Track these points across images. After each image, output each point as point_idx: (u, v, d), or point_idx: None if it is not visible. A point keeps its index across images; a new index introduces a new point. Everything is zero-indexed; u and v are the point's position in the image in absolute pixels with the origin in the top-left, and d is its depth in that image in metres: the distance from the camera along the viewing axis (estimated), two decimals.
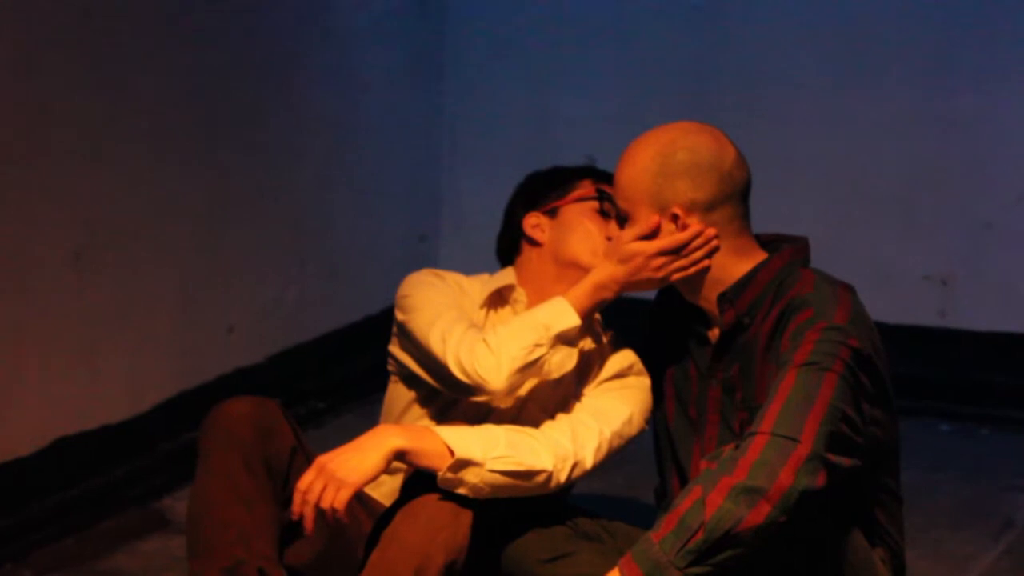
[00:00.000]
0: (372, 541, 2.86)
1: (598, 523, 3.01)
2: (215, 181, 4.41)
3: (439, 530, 2.76)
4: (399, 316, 3.07)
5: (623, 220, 2.88)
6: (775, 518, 2.56)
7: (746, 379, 2.85)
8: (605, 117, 5.18)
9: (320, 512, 2.76)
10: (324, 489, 2.74)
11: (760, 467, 2.58)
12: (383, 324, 3.17)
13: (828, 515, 2.68)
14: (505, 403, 2.96)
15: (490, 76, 5.41)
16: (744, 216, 2.86)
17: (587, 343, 3.07)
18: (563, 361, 2.93)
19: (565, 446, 2.89)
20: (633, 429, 3.02)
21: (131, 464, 4.12)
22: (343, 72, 4.96)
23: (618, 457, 3.02)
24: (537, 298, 3.11)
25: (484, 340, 2.89)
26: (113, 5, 3.99)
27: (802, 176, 5.06)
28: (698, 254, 2.83)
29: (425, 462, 2.80)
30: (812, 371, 2.67)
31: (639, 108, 5.09)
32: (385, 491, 3.11)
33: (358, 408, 4.79)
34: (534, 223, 3.17)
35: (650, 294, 3.03)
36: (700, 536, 2.56)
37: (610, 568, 2.65)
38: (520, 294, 3.15)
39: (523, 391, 2.99)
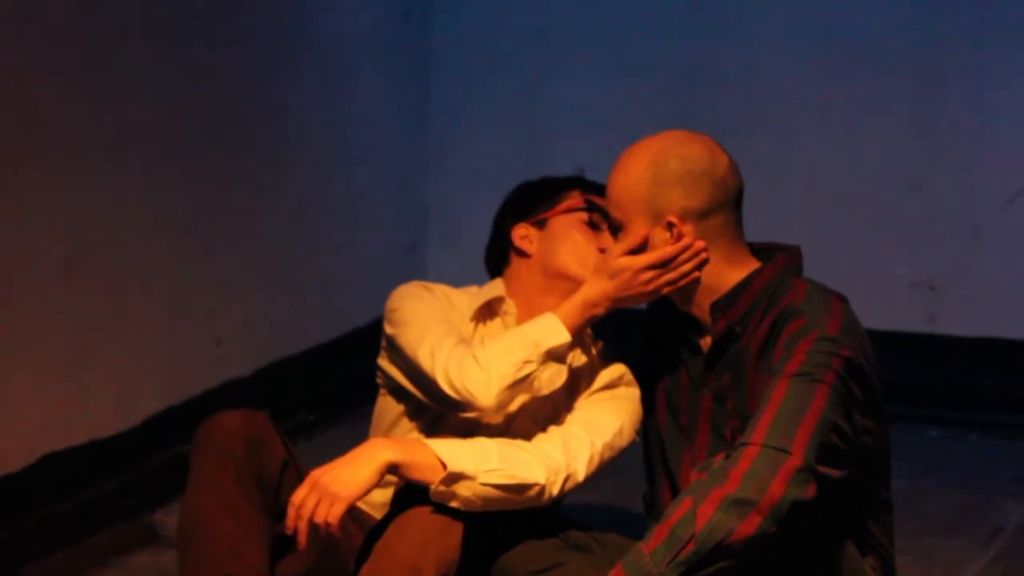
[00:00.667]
0: (363, 554, 2.86)
1: (589, 534, 3.01)
2: (203, 193, 4.41)
3: (430, 543, 2.76)
4: (388, 329, 3.07)
5: (616, 229, 2.88)
6: (766, 529, 2.56)
7: (738, 388, 2.84)
8: (592, 126, 5.18)
9: (313, 527, 2.75)
10: (318, 504, 2.74)
11: (751, 478, 2.57)
12: (373, 335, 3.17)
13: (819, 525, 2.68)
14: (495, 419, 2.95)
15: (477, 86, 5.41)
16: (737, 224, 2.87)
17: (577, 355, 3.07)
18: (553, 378, 2.93)
19: (557, 459, 2.89)
20: (624, 440, 3.02)
21: (121, 478, 4.11)
22: (331, 84, 4.96)
23: (609, 468, 3.02)
24: (526, 309, 3.11)
25: (473, 356, 2.88)
26: (102, 17, 3.98)
27: (790, 183, 5.07)
28: (687, 267, 2.83)
29: (417, 475, 2.79)
30: (804, 382, 2.67)
31: (626, 117, 5.08)
32: (376, 503, 3.10)
33: (348, 420, 4.78)
34: (523, 234, 3.17)
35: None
36: (691, 547, 2.56)
37: None
38: (510, 306, 3.15)
39: (513, 407, 2.99)
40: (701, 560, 2.56)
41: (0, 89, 3.70)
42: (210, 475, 2.92)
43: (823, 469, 2.61)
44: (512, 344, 2.90)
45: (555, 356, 2.91)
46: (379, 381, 3.18)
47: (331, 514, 2.73)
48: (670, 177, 2.81)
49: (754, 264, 2.87)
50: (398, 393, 3.11)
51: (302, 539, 2.75)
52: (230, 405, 3.12)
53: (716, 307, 2.84)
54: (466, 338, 3.06)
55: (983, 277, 4.97)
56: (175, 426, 4.16)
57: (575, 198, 3.16)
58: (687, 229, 2.81)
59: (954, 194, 4.99)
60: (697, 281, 2.85)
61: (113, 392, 4.11)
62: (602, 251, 2.94)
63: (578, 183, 3.20)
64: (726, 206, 2.84)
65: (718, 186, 2.82)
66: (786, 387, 2.67)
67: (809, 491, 2.59)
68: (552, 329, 2.90)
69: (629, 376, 3.07)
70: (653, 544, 2.59)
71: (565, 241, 3.12)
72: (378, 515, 3.01)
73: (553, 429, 2.98)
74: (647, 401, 3.04)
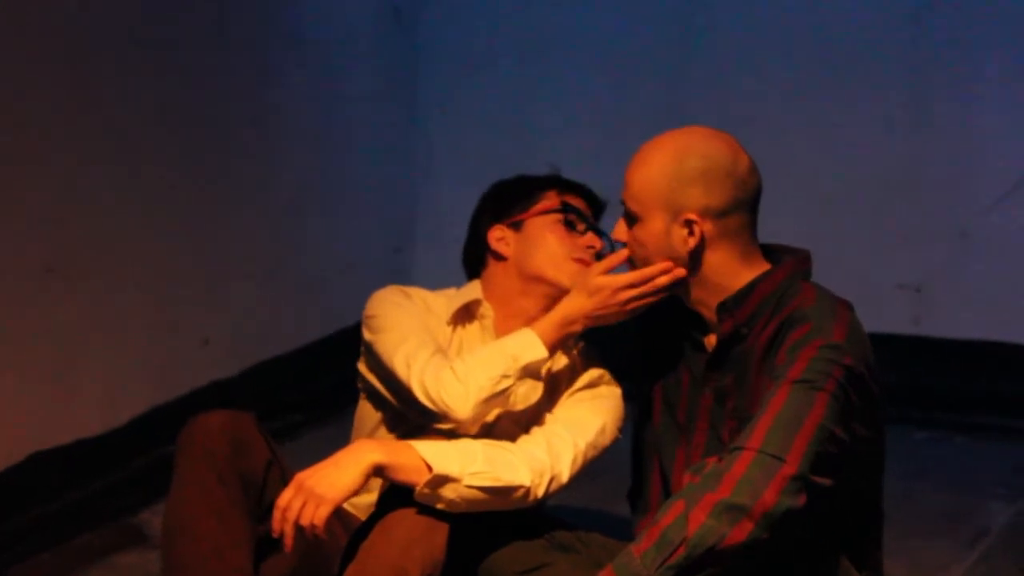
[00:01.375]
0: (348, 555, 2.85)
1: (574, 534, 3.00)
2: (190, 194, 4.40)
3: (415, 544, 2.76)
4: (366, 335, 3.07)
5: (633, 220, 2.85)
6: (757, 536, 2.55)
7: (740, 389, 2.82)
8: (579, 126, 5.18)
9: (299, 529, 2.75)
10: (303, 506, 2.73)
11: (745, 484, 2.56)
12: (359, 336, 3.16)
13: (810, 531, 2.67)
14: (470, 431, 2.93)
15: (464, 88, 5.41)
16: (753, 225, 2.85)
17: (557, 357, 3.07)
18: (528, 393, 2.94)
19: (542, 460, 2.89)
20: (607, 439, 3.02)
21: (107, 478, 4.11)
22: (318, 86, 4.96)
23: (594, 468, 3.02)
24: (504, 312, 3.11)
25: (451, 368, 2.89)
26: (88, 22, 3.98)
27: (776, 184, 5.01)
28: (662, 281, 2.82)
29: (403, 477, 2.79)
30: (804, 389, 2.65)
31: (612, 118, 5.10)
32: (361, 505, 3.10)
33: (334, 421, 4.77)
34: (499, 236, 3.16)
35: None
36: (682, 552, 2.55)
37: None
38: (487, 309, 3.15)
39: (489, 418, 2.98)
40: (691, 565, 2.55)
41: None
42: (194, 475, 2.91)
43: (816, 478, 2.60)
44: (491, 357, 2.90)
45: (531, 372, 2.92)
46: (359, 385, 3.17)
47: (317, 516, 2.73)
48: (692, 174, 2.78)
49: (764, 266, 2.85)
50: (376, 398, 3.11)
51: (288, 542, 2.75)
52: (216, 405, 3.12)
53: (723, 307, 2.82)
54: (443, 343, 3.06)
55: (969, 279, 4.98)
56: (161, 426, 4.16)
57: (551, 198, 3.15)
58: (706, 228, 2.79)
59: (940, 197, 4.99)
60: (705, 279, 2.84)
61: (99, 392, 4.10)
62: (589, 248, 2.93)
63: (555, 182, 3.19)
64: (744, 206, 2.82)
65: (739, 186, 2.81)
66: (786, 393, 2.65)
67: (801, 500, 2.57)
68: (530, 344, 2.91)
69: (609, 375, 3.08)
70: (644, 547, 2.58)
71: (541, 244, 3.11)
72: (363, 516, 3.01)
73: (536, 430, 2.98)
74: (642, 392, 3.01)
